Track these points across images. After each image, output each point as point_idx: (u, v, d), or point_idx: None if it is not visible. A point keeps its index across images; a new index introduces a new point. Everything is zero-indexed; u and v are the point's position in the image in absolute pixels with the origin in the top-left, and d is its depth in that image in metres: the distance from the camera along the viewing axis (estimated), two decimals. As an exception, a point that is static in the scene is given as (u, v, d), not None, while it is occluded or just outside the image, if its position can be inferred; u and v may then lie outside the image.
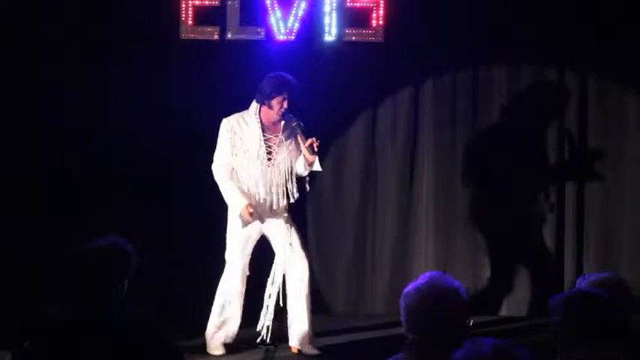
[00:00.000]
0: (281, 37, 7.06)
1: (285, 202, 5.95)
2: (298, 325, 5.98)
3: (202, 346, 6.04)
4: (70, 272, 3.39)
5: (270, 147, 5.90)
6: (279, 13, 7.04)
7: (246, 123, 5.93)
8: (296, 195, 5.97)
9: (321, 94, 7.05)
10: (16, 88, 6.96)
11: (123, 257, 3.38)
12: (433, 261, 7.26)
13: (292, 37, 7.07)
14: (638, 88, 7.27)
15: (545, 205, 7.30)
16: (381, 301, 7.31)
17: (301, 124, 5.88)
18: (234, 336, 6.07)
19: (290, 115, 5.94)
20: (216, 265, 6.91)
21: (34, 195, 6.94)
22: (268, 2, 7.04)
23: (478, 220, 7.30)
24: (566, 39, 7.16)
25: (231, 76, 7.03)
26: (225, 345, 6.05)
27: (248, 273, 6.03)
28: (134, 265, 3.40)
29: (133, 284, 3.43)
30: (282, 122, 5.93)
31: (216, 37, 7.11)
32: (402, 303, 3.06)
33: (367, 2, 7.11)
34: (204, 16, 7.12)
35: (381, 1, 7.08)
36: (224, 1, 7.08)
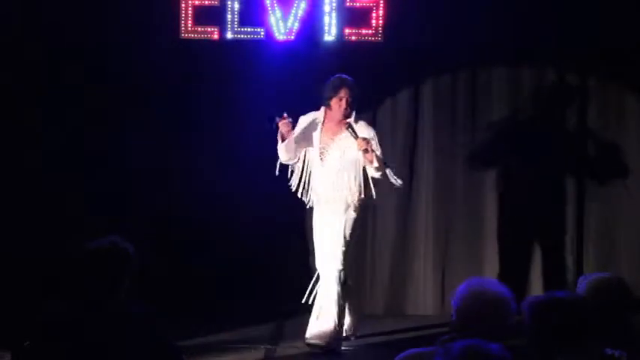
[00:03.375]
0: (281, 37, 7.06)
1: (344, 200, 5.96)
2: (322, 322, 5.97)
3: (202, 346, 6.03)
4: (71, 272, 3.40)
5: (324, 147, 6.00)
6: (279, 13, 7.04)
7: (314, 121, 6.05)
8: (354, 195, 5.96)
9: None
10: (16, 87, 6.96)
11: (123, 257, 3.39)
12: (433, 261, 7.26)
13: (292, 37, 7.07)
14: (638, 88, 7.26)
15: (545, 206, 7.30)
16: (380, 301, 7.31)
17: (353, 127, 5.91)
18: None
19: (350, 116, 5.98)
20: (217, 265, 6.93)
21: (34, 195, 6.94)
22: (268, 2, 7.04)
23: (478, 221, 7.30)
24: (566, 39, 7.15)
25: (231, 76, 7.03)
26: (226, 346, 6.06)
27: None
28: (134, 265, 3.40)
29: (133, 284, 3.43)
30: (346, 122, 5.96)
31: (216, 37, 7.12)
32: (456, 301, 3.12)
33: (367, 2, 7.11)
34: (204, 16, 7.11)
35: (381, 1, 7.08)
36: (224, 1, 7.08)
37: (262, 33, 7.09)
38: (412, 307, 7.28)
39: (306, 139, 6.04)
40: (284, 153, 5.98)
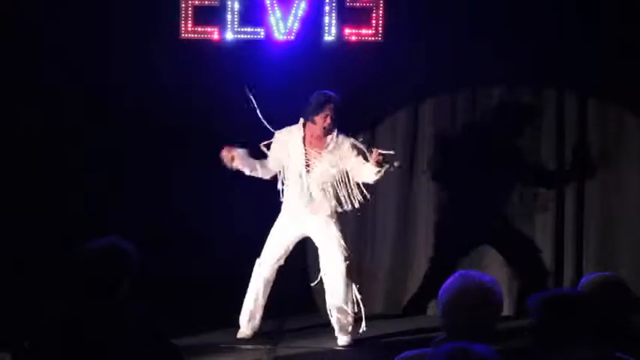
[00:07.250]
0: (281, 37, 7.07)
1: (327, 209, 6.12)
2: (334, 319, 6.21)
3: (202, 346, 6.03)
4: (71, 272, 3.39)
5: (309, 159, 6.10)
6: (279, 13, 7.04)
7: (292, 135, 6.14)
8: (343, 205, 6.18)
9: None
10: (16, 88, 6.97)
11: (123, 257, 3.38)
12: (433, 262, 7.26)
13: (292, 37, 7.08)
14: (637, 94, 7.23)
15: (546, 208, 7.29)
16: (380, 301, 7.31)
17: (357, 145, 6.12)
18: (256, 327, 6.28)
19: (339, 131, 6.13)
20: (216, 264, 6.92)
21: (35, 195, 6.94)
22: (268, 2, 7.04)
23: (478, 223, 7.29)
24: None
25: (231, 76, 7.04)
26: (226, 346, 6.07)
27: (282, 263, 6.24)
28: (134, 265, 3.40)
29: (134, 284, 3.43)
30: (329, 137, 6.09)
31: (216, 37, 7.12)
32: (442, 297, 3.06)
33: (367, 2, 7.11)
34: (204, 16, 7.12)
35: (381, 1, 7.08)
36: (224, 1, 7.09)
37: (262, 33, 7.10)
38: (412, 308, 7.27)
39: (283, 154, 6.15)
40: (245, 170, 6.20)
